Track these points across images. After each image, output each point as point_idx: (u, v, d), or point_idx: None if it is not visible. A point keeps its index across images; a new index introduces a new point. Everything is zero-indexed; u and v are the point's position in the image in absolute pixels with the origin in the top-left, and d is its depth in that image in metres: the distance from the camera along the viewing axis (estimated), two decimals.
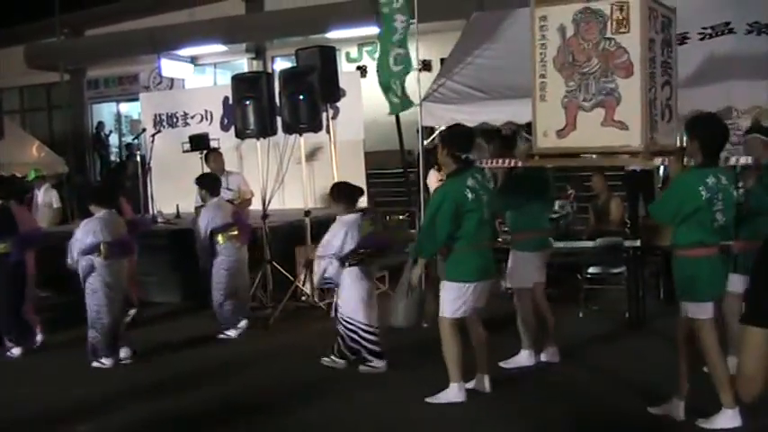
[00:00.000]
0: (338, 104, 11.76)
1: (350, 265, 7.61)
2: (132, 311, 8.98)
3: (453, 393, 6.64)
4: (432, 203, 6.65)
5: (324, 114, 10.83)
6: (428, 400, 6.66)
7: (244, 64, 21.60)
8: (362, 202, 9.01)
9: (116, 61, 22.36)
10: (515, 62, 9.47)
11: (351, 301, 7.59)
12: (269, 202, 10.72)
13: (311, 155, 12.05)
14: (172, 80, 21.93)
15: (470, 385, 6.80)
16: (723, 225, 5.85)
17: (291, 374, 7.71)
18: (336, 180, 10.93)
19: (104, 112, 24.81)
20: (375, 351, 7.58)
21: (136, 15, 21.71)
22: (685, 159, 6.12)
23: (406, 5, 10.42)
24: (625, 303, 9.20)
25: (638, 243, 9.08)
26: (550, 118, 6.53)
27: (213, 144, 12.19)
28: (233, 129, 11.50)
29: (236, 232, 9.34)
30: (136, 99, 18.78)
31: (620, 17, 6.18)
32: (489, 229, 6.90)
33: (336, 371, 7.60)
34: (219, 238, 9.25)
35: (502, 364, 7.53)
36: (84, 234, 8.10)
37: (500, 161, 7.62)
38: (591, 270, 9.91)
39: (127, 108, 24.16)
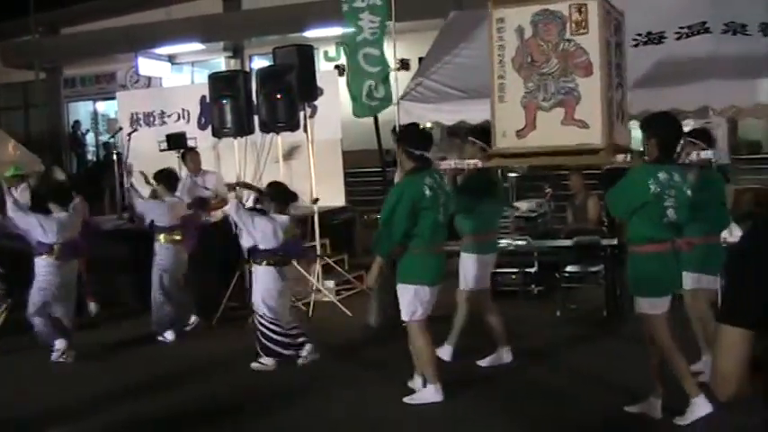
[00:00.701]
0: (316, 103, 11.72)
1: (267, 265, 7.72)
2: (93, 307, 9.43)
3: (430, 394, 6.64)
4: (388, 200, 6.61)
5: (301, 113, 10.79)
6: (405, 400, 6.67)
7: (221, 63, 21.57)
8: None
9: (93, 60, 22.27)
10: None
11: (266, 299, 7.72)
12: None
13: (289, 154, 12.00)
14: (149, 79, 21.85)
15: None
16: (675, 221, 5.90)
17: (272, 374, 7.69)
18: (314, 178, 10.98)
19: (81, 111, 24.69)
20: (272, 350, 7.75)
21: (113, 13, 21.61)
22: (645, 157, 6.19)
23: (378, 6, 10.38)
24: (603, 302, 9.24)
25: (615, 241, 9.12)
26: (509, 118, 6.60)
27: (190, 143, 12.12)
28: (210, 128, 11.46)
29: (179, 237, 9.22)
30: (113, 98, 18.63)
31: (579, 18, 6.28)
32: (445, 232, 6.86)
33: (315, 370, 7.59)
34: (162, 237, 9.15)
35: (480, 363, 7.54)
36: (35, 227, 8.26)
37: (453, 162, 7.68)
38: (568, 269, 9.93)
39: (104, 107, 24.06)
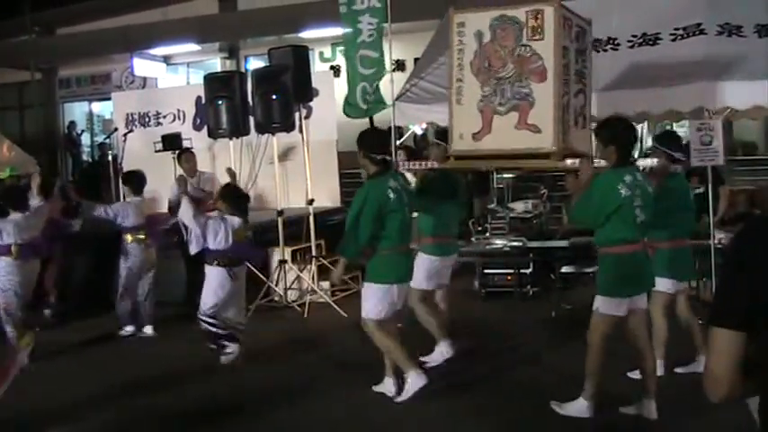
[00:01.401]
0: (311, 104, 11.73)
1: (217, 265, 7.77)
2: (47, 311, 9.58)
3: (414, 381, 6.68)
4: (354, 204, 6.69)
5: (297, 114, 10.80)
6: (398, 399, 6.72)
7: (217, 63, 21.56)
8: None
9: (88, 60, 22.25)
10: None
11: (211, 297, 7.78)
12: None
13: (284, 155, 12.00)
14: (144, 79, 21.84)
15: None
16: (644, 221, 6.03)
17: (270, 374, 7.70)
18: (309, 179, 10.97)
19: (76, 112, 24.66)
20: (222, 335, 7.90)
21: (108, 14, 21.57)
22: (596, 161, 6.31)
23: (378, 8, 10.37)
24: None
25: None
26: (466, 121, 6.69)
27: (186, 144, 12.11)
28: (205, 128, 11.46)
29: (143, 236, 9.32)
30: (108, 98, 18.64)
31: (535, 24, 6.38)
32: (409, 233, 6.97)
33: (313, 370, 7.60)
34: (128, 236, 9.24)
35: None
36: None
37: (415, 164, 7.75)
38: (564, 269, 9.94)
39: (99, 107, 24.04)
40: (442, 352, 7.69)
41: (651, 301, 6.94)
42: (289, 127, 10.56)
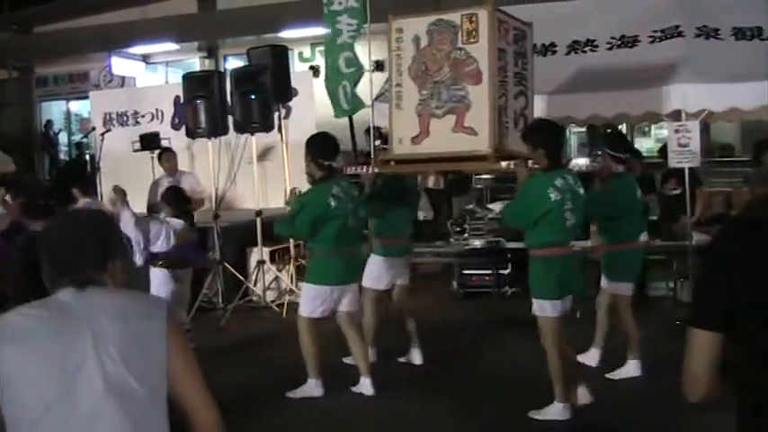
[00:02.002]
0: (290, 104, 11.71)
1: (160, 267, 7.79)
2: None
3: (310, 388, 6.94)
4: (296, 203, 6.97)
5: (276, 114, 10.78)
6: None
7: (196, 62, 21.46)
8: None
9: (66, 59, 22.06)
10: None
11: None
12: (220, 202, 10.66)
13: (263, 155, 11.96)
14: (123, 78, 21.69)
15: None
16: (574, 224, 6.16)
17: (249, 375, 7.69)
18: (288, 179, 10.95)
19: (54, 111, 24.46)
20: None
21: (86, 12, 21.42)
22: (530, 163, 6.38)
23: (356, 8, 10.34)
24: (579, 303, 9.25)
25: (588, 243, 9.14)
26: (405, 125, 6.76)
27: (164, 143, 12.06)
28: (184, 128, 11.40)
29: None
30: (86, 97, 18.51)
31: (470, 28, 6.45)
32: (354, 236, 7.12)
33: (289, 371, 7.57)
34: None
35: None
36: None
37: (361, 168, 7.83)
38: None
39: (77, 106, 23.86)
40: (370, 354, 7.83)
41: (604, 303, 7.17)
42: (268, 127, 10.54)
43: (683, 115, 8.66)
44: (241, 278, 10.48)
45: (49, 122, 23.67)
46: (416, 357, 7.89)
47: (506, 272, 10.35)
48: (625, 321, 7.30)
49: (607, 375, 7.15)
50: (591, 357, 7.43)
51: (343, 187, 6.93)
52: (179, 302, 7.97)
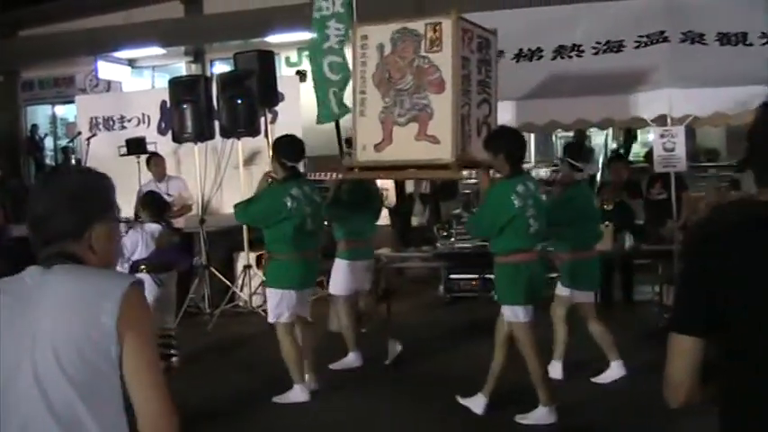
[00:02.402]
0: (277, 109, 11.69)
1: (141, 272, 7.75)
2: None
3: (296, 394, 6.99)
4: (254, 197, 7.19)
5: (262, 119, 10.76)
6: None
7: (182, 67, 21.39)
8: None
9: (52, 63, 21.97)
10: None
11: None
12: (206, 206, 10.64)
13: (249, 159, 11.93)
14: (109, 83, 21.60)
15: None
16: (537, 230, 6.22)
17: (236, 379, 7.69)
18: None
19: (39, 115, 24.36)
20: (163, 353, 7.84)
21: (72, 16, 21.33)
22: (492, 172, 6.45)
23: (342, 13, 10.33)
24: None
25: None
26: (369, 132, 6.84)
27: (150, 148, 12.03)
28: (170, 133, 11.38)
29: None
30: (72, 101, 18.43)
31: (434, 36, 6.52)
32: (313, 240, 7.18)
33: (275, 375, 7.58)
34: None
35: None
36: None
37: (325, 174, 7.89)
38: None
39: (63, 110, 23.76)
40: (353, 359, 8.06)
41: (558, 308, 7.31)
42: (254, 132, 10.53)
43: (669, 120, 8.68)
44: (228, 283, 10.47)
45: (35, 127, 23.57)
46: (356, 360, 8.09)
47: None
48: (594, 329, 7.37)
49: (592, 379, 7.17)
50: (554, 370, 7.39)
51: (304, 190, 7.00)
52: (165, 307, 7.95)
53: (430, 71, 6.51)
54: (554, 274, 7.64)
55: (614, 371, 7.26)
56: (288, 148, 7.16)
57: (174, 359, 7.91)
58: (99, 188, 2.49)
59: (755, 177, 2.35)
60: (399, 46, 6.64)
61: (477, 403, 6.49)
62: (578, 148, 7.77)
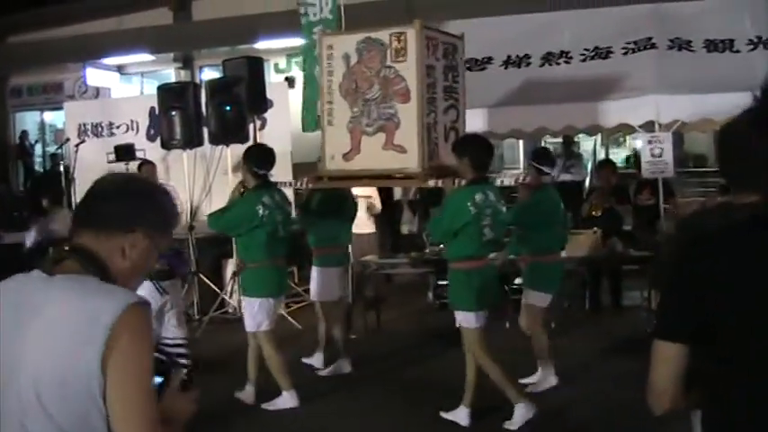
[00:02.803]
0: (265, 115, 11.69)
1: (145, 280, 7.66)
2: None
3: (284, 400, 7.02)
4: (228, 201, 7.30)
5: (251, 125, 10.75)
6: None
7: (171, 73, 21.37)
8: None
9: (40, 69, 21.91)
10: None
11: None
12: (195, 213, 10.62)
13: (238, 166, 11.87)
14: (98, 89, 21.56)
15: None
16: (492, 239, 6.31)
17: (225, 386, 7.65)
18: None
19: (28, 121, 24.29)
20: (179, 362, 7.66)
21: (61, 22, 21.27)
22: (457, 181, 6.50)
23: (330, 19, 10.35)
24: (551, 313, 9.28)
25: (563, 254, 9.18)
26: (337, 142, 6.95)
27: (139, 155, 12.02)
28: (159, 139, 11.36)
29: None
30: (61, 108, 18.39)
31: (399, 46, 6.62)
32: (283, 247, 7.22)
33: (266, 382, 7.59)
34: None
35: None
36: None
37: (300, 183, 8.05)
38: (517, 281, 9.97)
39: (51, 117, 23.70)
40: (340, 366, 8.09)
41: (525, 315, 7.22)
42: (243, 138, 10.51)
43: (656, 126, 8.73)
44: (216, 290, 10.45)
45: (24, 133, 23.50)
46: (318, 361, 8.22)
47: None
48: (536, 333, 7.43)
49: (523, 381, 7.24)
50: (548, 379, 7.45)
51: (275, 198, 7.04)
52: (173, 317, 7.87)
53: (396, 81, 6.61)
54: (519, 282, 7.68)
55: (543, 378, 7.37)
56: (258, 157, 7.19)
57: (184, 370, 7.84)
58: (163, 203, 2.34)
59: (731, 183, 2.37)
60: (365, 56, 6.73)
61: (460, 416, 6.49)
62: (544, 153, 7.83)
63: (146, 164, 11.24)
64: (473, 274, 6.25)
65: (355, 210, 8.77)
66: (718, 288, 2.12)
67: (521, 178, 7.38)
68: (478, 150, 6.35)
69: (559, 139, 13.50)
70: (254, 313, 6.99)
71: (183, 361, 7.79)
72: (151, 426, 1.99)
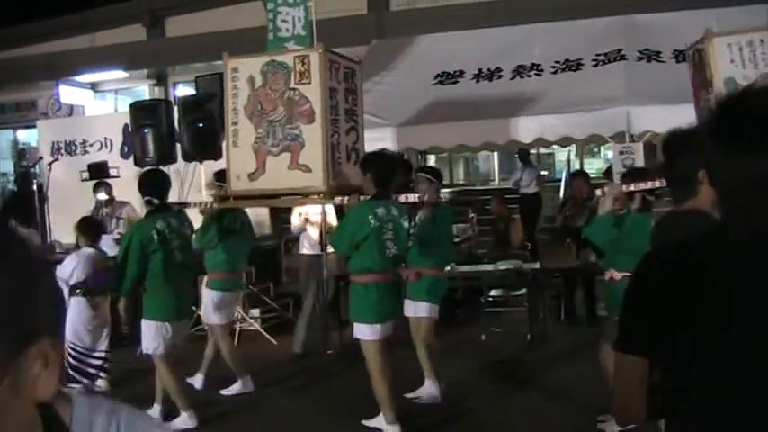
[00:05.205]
0: None
1: (77, 295, 7.78)
2: None
3: (183, 421, 7.01)
4: (122, 244, 7.08)
5: (224, 142, 10.71)
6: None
7: (145, 90, 21.34)
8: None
9: (13, 87, 21.82)
10: (413, 88, 9.57)
11: (75, 326, 7.72)
12: None
13: (212, 184, 11.89)
14: (71, 107, 21.48)
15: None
16: (395, 254, 6.40)
17: (201, 403, 7.64)
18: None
19: (2, 140, 24.18)
20: (96, 375, 7.94)
21: (33, 40, 21.23)
22: (362, 198, 6.59)
23: (303, 36, 10.34)
24: (526, 325, 9.32)
25: (537, 265, 9.23)
26: (242, 162, 7.07)
27: (112, 172, 11.99)
28: (132, 157, 11.33)
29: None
30: (34, 126, 18.31)
31: (302, 69, 6.80)
32: (185, 271, 7.24)
33: (242, 398, 7.57)
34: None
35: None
36: None
37: (191, 204, 8.07)
38: (492, 293, 10.01)
39: (25, 135, 23.59)
40: (244, 385, 8.07)
41: (417, 327, 7.36)
42: (216, 155, 10.46)
43: (627, 137, 8.78)
44: (192, 308, 10.39)
45: None
46: (198, 382, 8.28)
47: (457, 296, 10.38)
48: (422, 348, 7.46)
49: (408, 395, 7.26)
50: (426, 388, 7.54)
51: (170, 223, 7.04)
52: (102, 331, 8.00)
53: (300, 102, 6.78)
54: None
55: (428, 388, 7.46)
56: (149, 185, 7.22)
57: (103, 381, 7.99)
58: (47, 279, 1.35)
59: (676, 192, 2.38)
60: (270, 78, 6.88)
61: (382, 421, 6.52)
62: (432, 169, 8.06)
63: (103, 184, 11.31)
64: (371, 288, 6.32)
65: (253, 235, 8.77)
66: (678, 301, 2.10)
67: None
68: (381, 167, 6.47)
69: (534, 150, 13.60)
70: (152, 336, 6.97)
71: (101, 374, 7.87)
72: None
